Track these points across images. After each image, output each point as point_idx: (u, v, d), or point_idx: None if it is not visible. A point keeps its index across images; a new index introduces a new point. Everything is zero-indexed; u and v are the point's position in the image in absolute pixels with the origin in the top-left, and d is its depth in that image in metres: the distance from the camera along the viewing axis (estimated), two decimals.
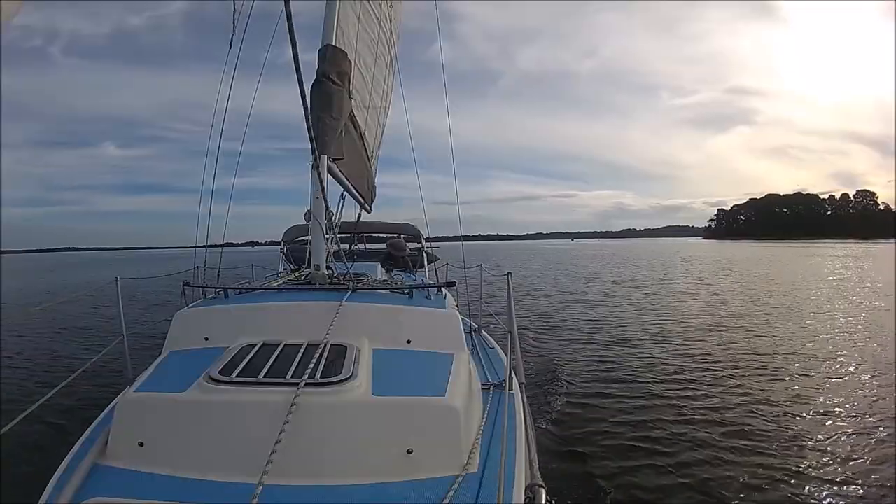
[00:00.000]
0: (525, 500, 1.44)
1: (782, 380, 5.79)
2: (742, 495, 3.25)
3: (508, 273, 3.41)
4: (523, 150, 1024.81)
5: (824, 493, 3.27)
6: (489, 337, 3.89)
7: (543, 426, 4.30)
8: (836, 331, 8.87)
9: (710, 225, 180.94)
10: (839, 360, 6.72)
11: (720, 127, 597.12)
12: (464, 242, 4.97)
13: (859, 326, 9.26)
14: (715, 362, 6.59)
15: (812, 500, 3.20)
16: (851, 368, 6.32)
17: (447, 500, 1.36)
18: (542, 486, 1.46)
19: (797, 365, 6.49)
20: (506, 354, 2.72)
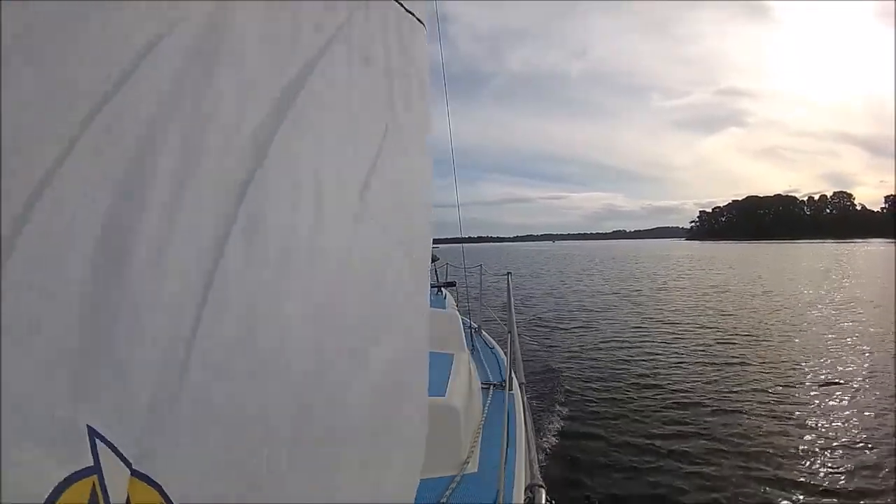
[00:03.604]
0: (525, 500, 1.44)
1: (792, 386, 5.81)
2: (742, 494, 3.25)
3: (508, 273, 3.41)
4: (514, 152, 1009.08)
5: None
6: (489, 337, 3.89)
7: (543, 426, 4.30)
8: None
9: (692, 227, 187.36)
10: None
11: (711, 128, 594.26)
12: (463, 245, 4.97)
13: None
14: (712, 357, 6.62)
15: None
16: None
17: (447, 500, 1.36)
18: (542, 486, 1.46)
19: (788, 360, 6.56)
20: (506, 354, 2.72)
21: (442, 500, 1.36)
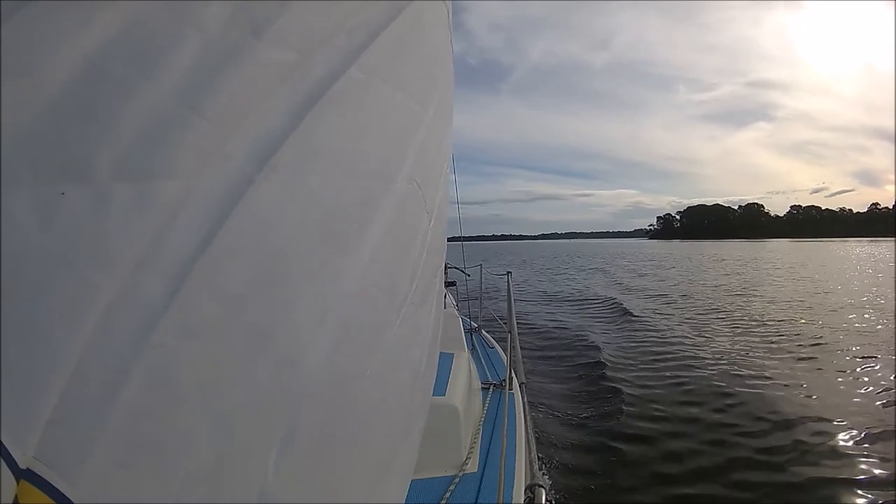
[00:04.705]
0: (525, 500, 1.44)
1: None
2: (747, 495, 3.24)
3: (508, 273, 3.40)
4: (538, 147, 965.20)
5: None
6: (489, 337, 3.89)
7: (543, 426, 4.28)
8: None
9: (651, 228, 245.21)
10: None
11: (740, 122, 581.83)
12: (462, 244, 4.95)
13: None
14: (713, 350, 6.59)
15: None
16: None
17: (447, 500, 1.36)
18: (542, 486, 1.46)
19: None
20: (506, 354, 2.72)
21: (442, 501, 1.36)
